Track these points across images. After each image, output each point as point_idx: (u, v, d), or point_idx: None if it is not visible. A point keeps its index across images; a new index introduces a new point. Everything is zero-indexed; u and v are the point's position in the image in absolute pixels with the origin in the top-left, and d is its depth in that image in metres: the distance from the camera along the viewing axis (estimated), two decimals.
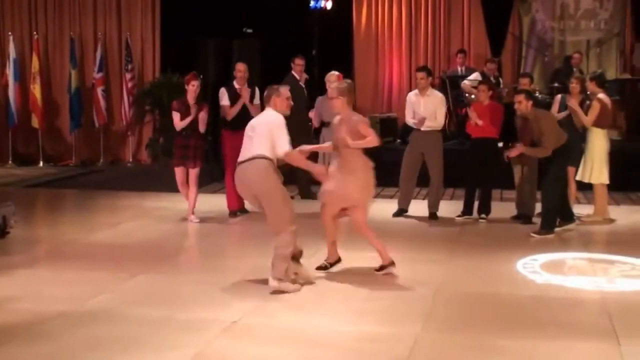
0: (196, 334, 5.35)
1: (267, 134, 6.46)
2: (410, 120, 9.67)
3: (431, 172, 9.63)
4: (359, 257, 7.49)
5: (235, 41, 13.80)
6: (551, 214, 8.67)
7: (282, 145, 6.42)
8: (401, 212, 9.74)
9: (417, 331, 5.43)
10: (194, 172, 9.25)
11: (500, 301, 6.22)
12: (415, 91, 9.74)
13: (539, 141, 8.50)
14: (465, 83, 12.99)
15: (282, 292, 6.22)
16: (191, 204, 9.32)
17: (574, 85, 9.43)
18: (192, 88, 9.10)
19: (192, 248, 8.57)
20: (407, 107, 9.79)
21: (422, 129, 9.49)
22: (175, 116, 9.09)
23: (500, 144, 9.85)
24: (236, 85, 9.51)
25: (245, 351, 5.08)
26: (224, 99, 9.48)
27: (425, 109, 9.48)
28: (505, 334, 5.39)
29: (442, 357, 5.03)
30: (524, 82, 9.75)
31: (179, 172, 9.22)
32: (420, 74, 9.60)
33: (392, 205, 9.81)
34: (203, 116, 9.18)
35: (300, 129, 9.85)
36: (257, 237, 8.55)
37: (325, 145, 7.59)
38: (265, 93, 6.76)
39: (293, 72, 10.63)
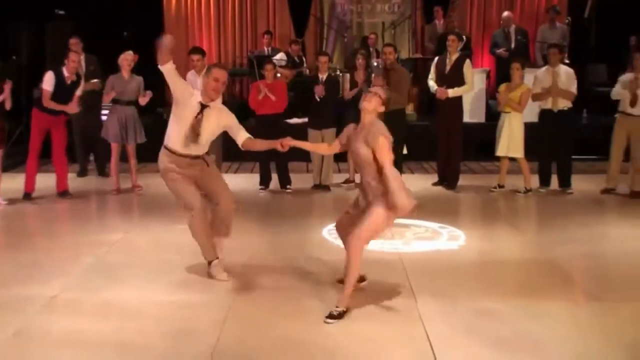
0: (15, 311, 5.12)
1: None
2: None
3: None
4: (173, 229, 7.42)
5: (47, 24, 13.18)
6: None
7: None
8: None
9: (232, 298, 5.46)
10: None
11: (308, 266, 6.32)
12: (192, 72, 9.49)
13: (395, 90, 9.05)
14: None
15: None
16: None
17: (360, 62, 9.80)
18: None
19: (6, 229, 8.09)
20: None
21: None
22: None
23: (294, 120, 10.04)
24: (66, 73, 8.97)
25: (66, 325, 4.90)
26: (49, 84, 8.88)
27: None
28: (313, 296, 5.50)
29: (255, 320, 5.06)
30: (323, 60, 9.81)
31: None
32: (196, 56, 9.49)
33: None
34: (6, 95, 8.70)
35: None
36: (68, 217, 8.31)
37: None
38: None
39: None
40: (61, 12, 13.80)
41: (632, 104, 9.26)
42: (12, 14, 12.90)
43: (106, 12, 14.12)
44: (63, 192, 9.30)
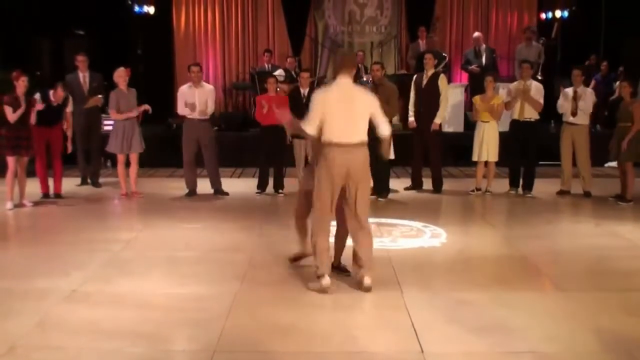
0: (38, 302, 5.08)
1: (368, 115, 5.41)
2: (184, 111, 9.41)
3: (205, 154, 9.56)
4: (181, 228, 7.39)
5: (66, 40, 13.14)
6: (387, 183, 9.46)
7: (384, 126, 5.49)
8: (192, 193, 9.58)
9: (236, 290, 5.43)
10: (25, 161, 8.79)
11: (303, 261, 6.23)
12: (189, 84, 9.52)
13: (385, 104, 8.84)
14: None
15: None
16: (23, 189, 8.81)
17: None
18: (22, 83, 8.53)
19: (31, 227, 8.03)
20: (179, 99, 9.52)
21: (198, 117, 9.36)
22: (8, 110, 8.47)
23: None
24: (52, 98, 9.07)
25: (84, 315, 4.87)
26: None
27: (200, 99, 9.38)
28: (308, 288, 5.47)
29: (259, 309, 5.03)
30: (305, 76, 9.78)
31: (13, 161, 8.58)
32: (196, 68, 9.50)
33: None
34: (34, 109, 8.71)
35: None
36: (86, 217, 8.28)
37: None
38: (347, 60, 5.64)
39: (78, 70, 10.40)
40: (81, 33, 13.78)
41: (573, 114, 9.46)
42: (34, 30, 12.87)
43: (121, 31, 14.14)
44: (57, 195, 9.32)
